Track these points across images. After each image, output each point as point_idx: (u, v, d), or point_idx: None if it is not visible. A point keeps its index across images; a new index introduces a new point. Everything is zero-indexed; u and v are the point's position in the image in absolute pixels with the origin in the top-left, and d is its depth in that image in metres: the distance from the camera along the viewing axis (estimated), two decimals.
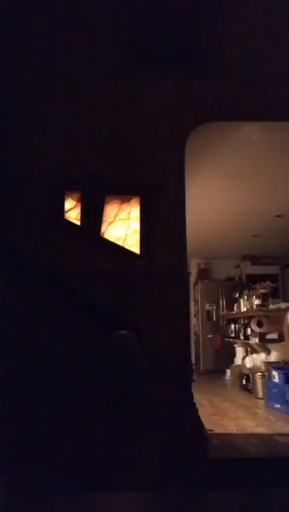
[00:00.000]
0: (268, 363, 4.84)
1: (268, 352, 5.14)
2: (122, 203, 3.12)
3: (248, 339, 5.63)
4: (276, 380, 4.29)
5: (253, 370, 5.11)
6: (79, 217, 3.06)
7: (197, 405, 2.25)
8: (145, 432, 1.49)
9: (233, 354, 6.55)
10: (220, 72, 3.26)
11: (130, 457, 1.45)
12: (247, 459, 2.60)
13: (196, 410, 1.65)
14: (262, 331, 5.24)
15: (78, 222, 3.05)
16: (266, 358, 5.09)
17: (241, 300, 6.29)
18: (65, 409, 2.18)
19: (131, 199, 3.12)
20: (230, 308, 7.24)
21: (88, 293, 2.65)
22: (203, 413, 1.91)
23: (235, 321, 6.62)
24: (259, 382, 4.74)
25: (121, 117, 3.16)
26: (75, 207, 3.08)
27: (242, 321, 6.04)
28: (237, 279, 8.29)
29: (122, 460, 1.46)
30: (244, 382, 5.32)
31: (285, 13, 3.35)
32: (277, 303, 5.36)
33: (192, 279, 8.13)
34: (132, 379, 1.63)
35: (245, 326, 5.78)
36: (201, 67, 3.26)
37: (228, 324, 7.03)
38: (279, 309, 5.09)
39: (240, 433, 3.27)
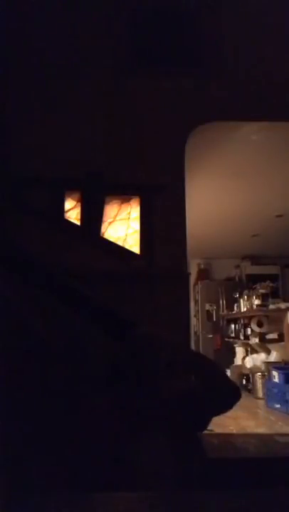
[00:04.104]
0: (268, 363, 4.84)
1: (268, 352, 5.14)
2: (122, 203, 3.12)
3: (248, 339, 5.63)
4: (276, 380, 4.29)
5: (253, 370, 5.11)
6: (79, 217, 3.06)
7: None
8: (149, 430, 1.49)
9: (233, 354, 6.55)
10: (220, 72, 3.26)
11: (131, 457, 1.45)
12: (247, 459, 2.60)
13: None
14: (262, 331, 5.24)
15: (78, 222, 3.05)
16: (266, 358, 5.09)
17: (241, 300, 6.29)
18: (65, 409, 2.18)
19: (131, 199, 3.12)
20: (230, 308, 7.24)
21: (88, 293, 2.65)
22: None
23: (235, 321, 6.62)
24: (259, 382, 4.74)
25: (121, 117, 3.16)
26: (75, 207, 3.08)
27: (242, 321, 6.04)
28: (237, 279, 8.28)
29: (123, 460, 1.45)
30: (244, 382, 5.31)
31: (286, 13, 3.35)
32: (277, 303, 5.35)
33: (192, 279, 8.13)
34: (154, 378, 1.62)
35: (245, 326, 5.78)
36: (201, 67, 3.26)
37: (228, 324, 7.03)
38: (279, 309, 5.09)
39: (240, 433, 3.26)
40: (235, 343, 6.47)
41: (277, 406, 4.10)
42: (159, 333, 1.74)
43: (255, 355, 5.41)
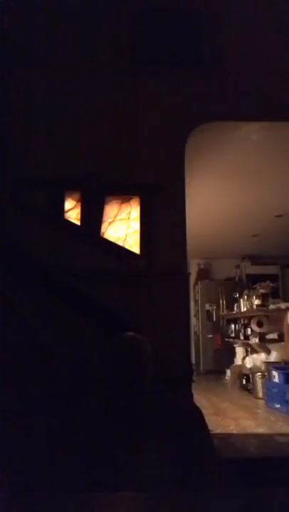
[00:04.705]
0: (268, 363, 4.84)
1: (268, 352, 5.14)
2: (122, 203, 3.12)
3: (248, 339, 5.63)
4: (276, 380, 4.29)
5: (253, 370, 5.11)
6: (79, 217, 3.05)
7: (197, 405, 2.25)
8: (147, 433, 1.49)
9: (233, 354, 6.56)
10: (220, 72, 3.26)
11: (131, 457, 1.45)
12: (247, 459, 2.60)
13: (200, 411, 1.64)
14: (262, 331, 5.24)
15: (78, 222, 3.05)
16: (266, 358, 5.09)
17: (241, 300, 6.29)
18: (65, 410, 2.18)
19: (131, 199, 3.12)
20: (230, 308, 7.24)
21: (88, 293, 2.66)
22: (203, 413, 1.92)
23: (235, 321, 6.62)
24: (259, 382, 4.74)
25: (121, 117, 3.16)
26: (75, 207, 3.08)
27: (242, 321, 6.04)
28: (237, 279, 8.29)
29: (123, 460, 1.45)
30: (244, 382, 5.32)
31: (286, 13, 3.35)
32: (277, 303, 5.36)
33: (192, 279, 8.13)
34: (140, 382, 1.61)
35: (245, 326, 5.78)
36: (201, 67, 3.26)
37: (228, 324, 7.04)
38: (279, 309, 5.09)
39: (240, 433, 3.27)
40: (235, 343, 6.47)
41: (277, 406, 4.10)
42: (143, 338, 1.72)
43: (255, 355, 5.41)
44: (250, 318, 5.50)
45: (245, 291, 6.32)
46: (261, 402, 4.52)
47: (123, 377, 1.61)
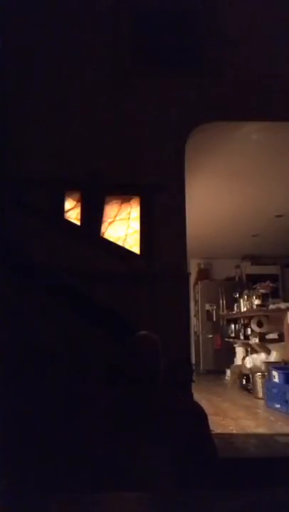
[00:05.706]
0: (268, 363, 4.84)
1: (268, 352, 5.14)
2: (122, 203, 3.12)
3: (248, 339, 5.63)
4: (276, 380, 4.29)
5: (253, 370, 5.11)
6: (79, 217, 3.05)
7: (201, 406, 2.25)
8: (150, 433, 1.49)
9: (233, 354, 6.55)
10: (220, 72, 3.26)
11: (131, 457, 1.45)
12: (247, 459, 2.60)
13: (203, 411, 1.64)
14: (262, 331, 5.24)
15: (78, 222, 3.05)
16: (266, 358, 5.09)
17: (241, 300, 6.29)
18: (65, 409, 2.18)
19: (131, 199, 3.12)
20: (230, 308, 7.24)
21: (88, 293, 2.66)
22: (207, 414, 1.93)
23: (235, 321, 6.62)
24: (259, 382, 4.74)
25: (121, 117, 3.16)
26: (75, 207, 3.08)
27: (242, 321, 6.04)
28: (237, 279, 8.29)
29: (123, 460, 1.45)
30: (244, 382, 5.32)
31: (285, 13, 3.35)
32: (277, 303, 5.35)
33: (192, 279, 8.13)
34: (151, 381, 1.62)
35: (245, 326, 5.78)
36: (201, 67, 3.26)
37: (228, 324, 7.03)
38: (279, 309, 5.09)
39: (240, 433, 3.27)
40: (235, 343, 6.47)
41: (277, 406, 4.10)
42: (156, 337, 1.73)
43: (255, 355, 5.41)
44: (250, 318, 5.50)
45: (245, 291, 6.32)
46: (261, 402, 4.52)
47: (137, 375, 1.61)
